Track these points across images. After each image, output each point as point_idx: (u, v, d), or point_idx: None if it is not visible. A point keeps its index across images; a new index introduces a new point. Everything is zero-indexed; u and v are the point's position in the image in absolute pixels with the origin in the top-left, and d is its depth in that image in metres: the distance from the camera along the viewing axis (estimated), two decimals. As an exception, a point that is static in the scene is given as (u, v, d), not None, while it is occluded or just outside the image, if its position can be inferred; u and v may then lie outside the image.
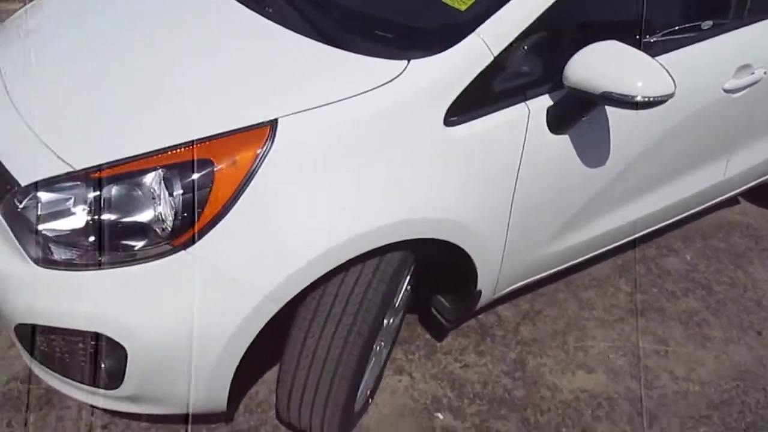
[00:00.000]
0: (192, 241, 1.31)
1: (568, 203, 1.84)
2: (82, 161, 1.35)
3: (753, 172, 2.51)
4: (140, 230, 1.32)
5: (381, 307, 1.51)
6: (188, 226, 1.31)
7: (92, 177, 1.33)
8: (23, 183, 1.37)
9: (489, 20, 1.50)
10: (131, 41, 1.69)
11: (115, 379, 1.42)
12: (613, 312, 2.34)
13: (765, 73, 2.07)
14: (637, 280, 2.50)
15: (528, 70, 1.59)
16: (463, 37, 1.49)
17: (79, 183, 1.34)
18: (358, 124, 1.41)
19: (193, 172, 1.31)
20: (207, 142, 1.33)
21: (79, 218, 1.34)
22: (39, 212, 1.36)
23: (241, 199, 1.31)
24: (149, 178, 1.33)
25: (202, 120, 1.38)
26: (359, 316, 1.47)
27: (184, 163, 1.32)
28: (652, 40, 1.78)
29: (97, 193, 1.32)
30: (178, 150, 1.33)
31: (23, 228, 1.39)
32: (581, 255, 2.11)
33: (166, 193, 1.32)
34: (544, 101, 1.62)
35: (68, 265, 1.36)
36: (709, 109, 2.00)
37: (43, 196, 1.36)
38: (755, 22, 2.05)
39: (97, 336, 1.36)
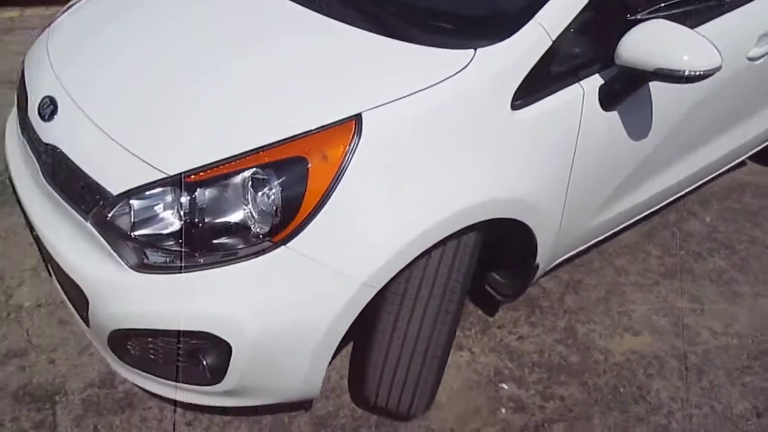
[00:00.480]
0: (291, 237, 1.37)
1: (616, 174, 1.93)
2: (174, 167, 1.39)
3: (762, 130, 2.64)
4: (238, 229, 1.37)
5: (464, 285, 1.59)
6: (287, 222, 1.36)
7: (187, 181, 1.38)
8: (115, 192, 1.41)
9: (545, 7, 1.56)
10: (195, 45, 1.73)
11: (217, 375, 1.48)
12: (648, 276, 2.45)
13: (782, 39, 2.19)
14: (677, 242, 2.63)
15: (579, 52, 1.67)
16: (524, 24, 1.55)
17: (173, 188, 1.39)
18: (435, 113, 1.47)
19: (288, 169, 1.37)
20: (299, 140, 1.38)
21: (174, 222, 1.39)
22: (133, 219, 1.40)
23: (334, 192, 1.37)
24: (243, 179, 1.38)
25: (286, 119, 1.43)
26: (446, 296, 1.55)
27: (279, 161, 1.37)
28: (684, 16, 1.87)
29: (193, 196, 1.37)
30: (271, 149, 1.38)
31: (117, 236, 1.43)
32: (623, 222, 2.21)
33: (261, 191, 1.37)
34: (595, 81, 1.69)
35: (166, 269, 1.41)
36: (735, 78, 2.10)
37: (137, 203, 1.40)
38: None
39: (200, 334, 1.42)
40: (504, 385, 1.99)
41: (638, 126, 1.85)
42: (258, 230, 1.36)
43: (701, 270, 2.51)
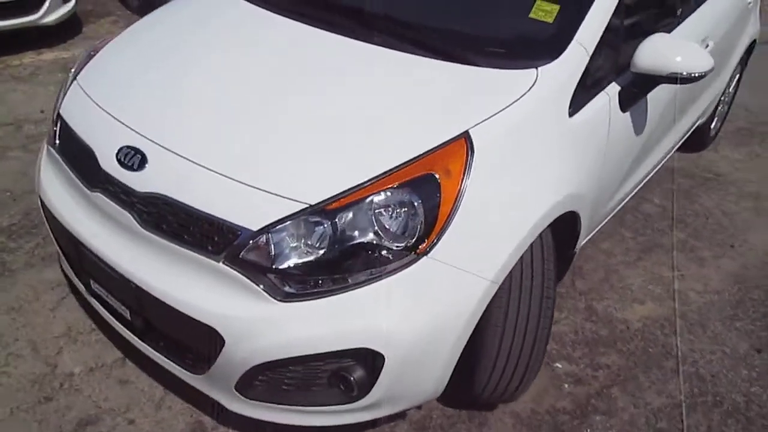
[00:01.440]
0: (431, 247, 1.50)
1: (626, 162, 2.26)
2: (312, 196, 1.47)
3: (692, 122, 3.15)
4: (382, 248, 1.48)
5: (553, 274, 1.80)
6: (428, 234, 1.49)
7: (327, 209, 1.46)
8: (255, 228, 1.46)
9: (581, 28, 1.85)
10: (273, 78, 1.83)
11: (364, 389, 1.55)
12: (630, 254, 2.83)
13: (712, 44, 2.67)
14: (641, 223, 3.02)
15: (603, 64, 1.97)
16: (568, 44, 1.82)
17: (310, 217, 1.47)
18: (522, 124, 1.69)
19: (422, 186, 1.51)
20: (423, 159, 1.53)
21: (316, 250, 1.47)
22: (274, 252, 1.46)
23: (461, 201, 1.52)
24: (379, 200, 1.49)
25: (405, 143, 1.57)
26: (544, 284, 1.75)
27: (412, 180, 1.51)
28: (659, 28, 2.26)
29: (335, 221, 1.46)
30: (400, 170, 1.51)
31: (257, 271, 1.47)
32: (622, 203, 2.57)
33: (399, 210, 1.49)
34: (614, 87, 2.01)
35: (313, 294, 1.48)
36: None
37: (275, 236, 1.47)
38: (702, 2, 2.64)
39: (354, 351, 1.49)
40: (557, 365, 2.21)
41: (640, 122, 2.20)
42: (401, 245, 1.48)
43: (668, 243, 2.93)
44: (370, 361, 1.52)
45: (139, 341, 1.79)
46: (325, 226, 1.47)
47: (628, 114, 2.07)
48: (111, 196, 1.67)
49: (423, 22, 2.02)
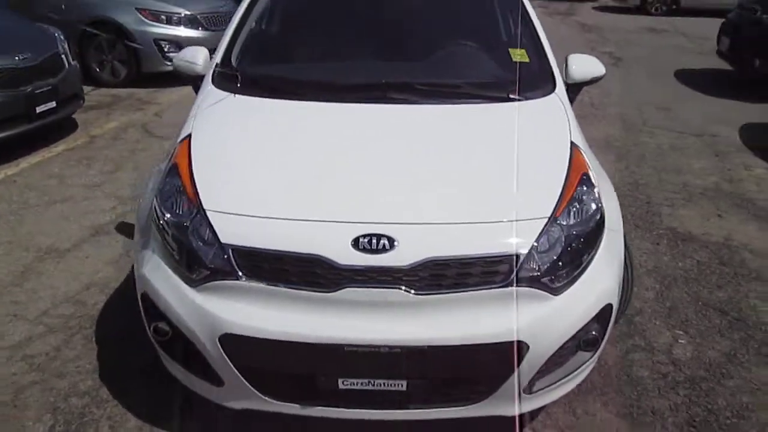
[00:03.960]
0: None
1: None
2: (543, 212, 1.89)
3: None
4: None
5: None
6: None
7: (557, 217, 1.90)
8: (525, 251, 1.80)
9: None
10: (381, 148, 2.15)
11: (600, 344, 2.00)
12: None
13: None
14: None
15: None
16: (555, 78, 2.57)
17: (552, 226, 1.87)
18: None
19: (586, 182, 2.05)
20: (573, 167, 2.08)
21: (558, 249, 1.89)
22: (540, 264, 1.84)
23: None
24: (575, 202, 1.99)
25: (546, 161, 2.10)
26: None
27: (580, 181, 2.04)
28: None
29: (562, 225, 1.91)
30: (570, 178, 2.04)
31: (533, 279, 1.82)
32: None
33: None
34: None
35: (570, 282, 1.88)
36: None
37: (535, 253, 1.83)
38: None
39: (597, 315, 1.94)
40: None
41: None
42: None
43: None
44: (606, 315, 2.00)
45: (412, 410, 1.89)
46: (558, 230, 1.91)
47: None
48: (363, 285, 1.77)
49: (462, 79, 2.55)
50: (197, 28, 6.88)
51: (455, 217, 1.84)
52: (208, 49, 2.82)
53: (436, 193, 1.92)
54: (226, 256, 1.83)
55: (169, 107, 6.13)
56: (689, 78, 7.57)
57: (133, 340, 2.61)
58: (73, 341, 2.63)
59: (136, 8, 6.57)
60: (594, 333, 1.95)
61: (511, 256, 1.80)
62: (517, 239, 1.83)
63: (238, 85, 2.42)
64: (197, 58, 2.76)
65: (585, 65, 2.75)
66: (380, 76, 2.45)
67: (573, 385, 2.08)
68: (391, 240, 1.78)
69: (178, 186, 2.02)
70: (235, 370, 1.86)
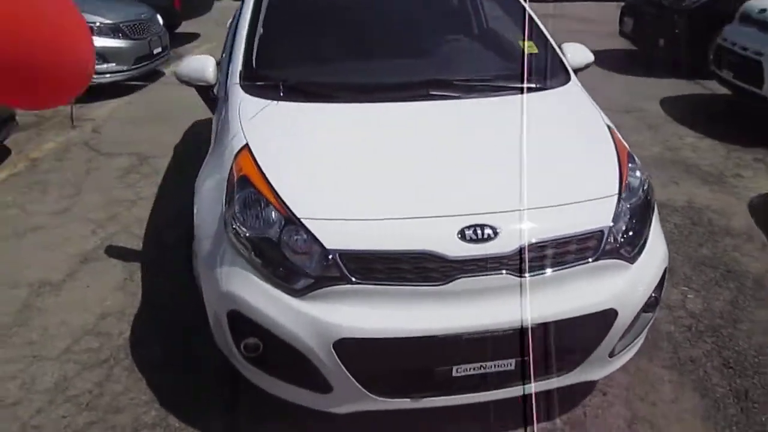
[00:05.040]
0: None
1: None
2: (610, 191, 2.06)
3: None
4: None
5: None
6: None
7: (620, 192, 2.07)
8: (609, 224, 1.97)
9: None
10: (444, 142, 2.25)
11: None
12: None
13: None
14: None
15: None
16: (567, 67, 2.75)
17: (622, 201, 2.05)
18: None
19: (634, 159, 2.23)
20: (619, 146, 2.26)
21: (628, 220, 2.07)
22: (617, 234, 2.00)
23: None
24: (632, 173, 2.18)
25: (597, 139, 2.26)
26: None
27: (629, 155, 2.23)
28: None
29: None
30: (621, 153, 2.22)
31: (614, 250, 1.98)
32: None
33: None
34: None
35: (639, 251, 2.07)
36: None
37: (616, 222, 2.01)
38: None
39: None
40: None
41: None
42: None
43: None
44: (664, 278, 2.17)
45: (516, 387, 1.99)
46: (624, 205, 2.07)
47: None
48: (473, 274, 1.84)
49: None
50: (120, 38, 6.51)
51: (545, 201, 1.96)
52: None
53: (518, 179, 2.03)
54: (332, 263, 1.84)
55: (105, 123, 5.77)
56: (601, 59, 8.07)
57: (179, 364, 2.53)
58: (115, 374, 2.49)
59: (52, 19, 6.10)
60: (654, 295, 2.15)
61: (599, 231, 1.95)
62: (601, 215, 1.98)
63: (280, 92, 2.39)
64: (207, 68, 2.69)
65: (579, 53, 2.95)
66: (418, 75, 2.51)
67: (638, 345, 2.27)
68: (493, 228, 1.87)
69: (257, 198, 1.98)
70: (348, 374, 1.88)
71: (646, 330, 2.24)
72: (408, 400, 1.96)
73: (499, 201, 1.94)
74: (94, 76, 6.30)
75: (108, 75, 6.44)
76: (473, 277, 1.85)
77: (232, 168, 2.12)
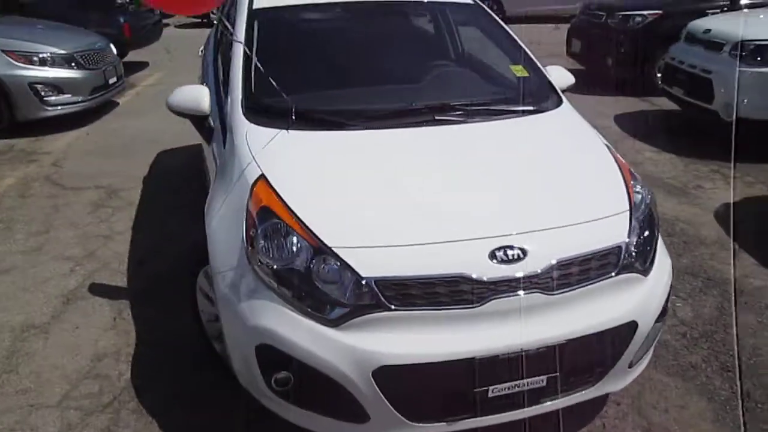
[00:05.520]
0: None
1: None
2: (622, 207, 2.14)
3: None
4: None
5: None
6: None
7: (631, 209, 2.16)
8: (625, 240, 2.05)
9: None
10: (456, 167, 2.29)
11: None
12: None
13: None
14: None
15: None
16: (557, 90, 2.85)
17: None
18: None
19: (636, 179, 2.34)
20: (622, 166, 2.35)
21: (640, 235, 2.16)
22: (632, 249, 2.08)
23: None
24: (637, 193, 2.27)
25: (596, 161, 2.36)
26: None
27: (633, 173, 2.32)
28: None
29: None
30: (625, 173, 2.31)
31: (630, 264, 2.06)
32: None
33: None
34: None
35: (651, 264, 2.16)
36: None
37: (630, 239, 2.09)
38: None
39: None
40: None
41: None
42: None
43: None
44: (670, 288, 2.30)
45: (547, 404, 2.02)
46: (635, 220, 2.15)
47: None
48: (506, 294, 1.87)
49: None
50: (75, 68, 6.31)
51: (565, 220, 2.02)
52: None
53: (538, 200, 2.09)
54: (367, 290, 1.84)
55: (66, 156, 5.55)
56: (550, 79, 8.49)
57: (187, 403, 2.45)
58: (123, 419, 2.38)
59: (2, 51, 5.87)
60: (664, 305, 2.25)
61: (617, 246, 2.03)
62: (617, 231, 2.06)
63: (290, 121, 2.38)
64: (202, 98, 2.64)
65: (561, 75, 3.07)
66: (420, 100, 2.56)
67: (650, 355, 2.35)
68: (522, 248, 1.91)
69: (282, 229, 1.96)
70: (387, 402, 1.87)
71: (656, 339, 2.33)
72: (444, 424, 1.96)
73: (524, 221, 1.99)
74: (49, 108, 6.23)
75: (63, 106, 6.22)
76: (506, 298, 1.88)
77: (249, 199, 2.09)
